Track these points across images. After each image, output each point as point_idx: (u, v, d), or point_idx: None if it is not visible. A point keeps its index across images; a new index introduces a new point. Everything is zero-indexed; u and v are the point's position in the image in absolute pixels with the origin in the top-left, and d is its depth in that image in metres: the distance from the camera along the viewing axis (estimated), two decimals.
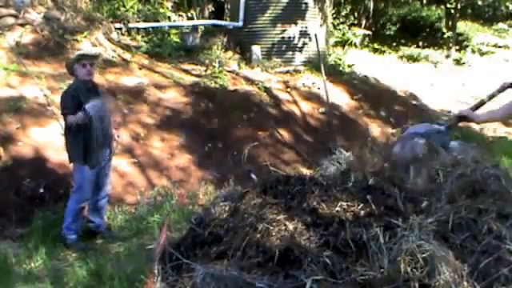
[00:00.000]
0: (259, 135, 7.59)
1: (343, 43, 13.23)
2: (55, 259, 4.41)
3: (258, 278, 1.98)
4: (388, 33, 15.24)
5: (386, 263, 1.98)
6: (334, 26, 13.26)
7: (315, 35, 9.35)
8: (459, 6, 14.49)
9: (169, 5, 10.63)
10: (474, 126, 9.66)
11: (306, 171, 6.58)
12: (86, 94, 4.63)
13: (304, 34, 10.36)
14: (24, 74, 6.68)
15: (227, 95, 8.19)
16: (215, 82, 8.43)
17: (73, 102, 4.58)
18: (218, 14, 11.74)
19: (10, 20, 7.91)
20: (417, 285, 1.89)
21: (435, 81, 11.53)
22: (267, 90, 8.71)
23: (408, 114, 9.25)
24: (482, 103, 3.49)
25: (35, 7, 8.45)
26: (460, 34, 15.14)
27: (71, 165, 4.81)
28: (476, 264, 2.06)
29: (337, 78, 9.79)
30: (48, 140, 5.93)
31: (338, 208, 2.32)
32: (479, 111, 3.34)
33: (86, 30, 8.35)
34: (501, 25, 16.96)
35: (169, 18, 10.40)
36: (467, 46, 14.84)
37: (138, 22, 9.79)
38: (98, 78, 7.46)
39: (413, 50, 14.06)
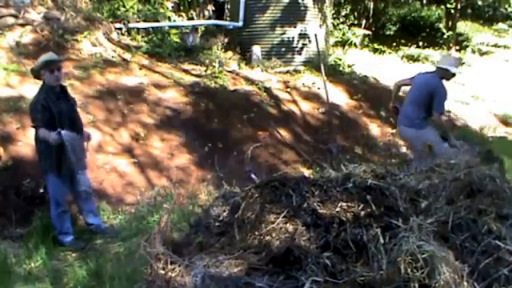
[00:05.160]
0: (259, 135, 7.59)
1: (343, 43, 13.22)
2: (55, 259, 4.41)
3: (258, 278, 1.98)
4: (388, 33, 15.22)
5: (386, 264, 1.99)
6: (334, 26, 13.25)
7: (315, 35, 9.35)
8: (459, 6, 14.49)
9: (169, 5, 10.63)
10: (473, 126, 9.69)
11: (306, 171, 6.60)
12: (56, 102, 4.55)
13: (304, 34, 10.35)
14: (24, 74, 6.67)
15: (227, 95, 8.19)
16: (215, 82, 8.43)
17: (43, 113, 4.46)
18: (218, 14, 11.73)
19: (10, 20, 7.91)
20: (417, 285, 1.90)
21: None
22: (267, 90, 8.70)
23: None
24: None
25: (35, 7, 8.45)
26: (460, 34, 15.13)
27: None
28: (476, 264, 2.07)
29: (337, 78, 9.78)
30: None
31: (338, 209, 2.33)
32: None
33: (85, 30, 8.35)
34: (501, 25, 16.96)
35: (169, 18, 10.39)
36: (467, 46, 14.83)
37: (138, 21, 9.78)
38: (99, 78, 7.50)
39: (413, 50, 14.05)
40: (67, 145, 4.49)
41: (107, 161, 6.18)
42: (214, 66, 8.85)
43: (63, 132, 4.47)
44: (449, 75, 5.65)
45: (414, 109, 5.65)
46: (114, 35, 9.12)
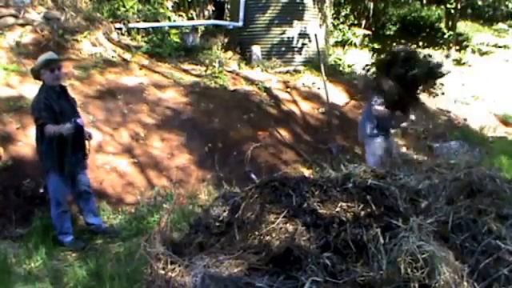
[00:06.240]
0: (259, 135, 7.59)
1: (343, 43, 13.21)
2: (55, 259, 4.41)
3: (258, 278, 1.98)
4: (388, 33, 15.21)
5: (386, 264, 1.99)
6: (334, 26, 13.25)
7: (315, 35, 9.35)
8: (459, 6, 14.47)
9: (169, 5, 10.63)
10: (473, 126, 9.68)
11: (306, 171, 6.59)
12: (57, 101, 4.56)
13: (304, 34, 10.36)
14: (24, 74, 6.67)
15: (227, 95, 8.19)
16: (215, 82, 8.43)
17: (47, 111, 4.46)
18: (218, 14, 11.73)
19: (10, 20, 7.91)
20: (417, 285, 1.90)
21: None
22: (267, 90, 8.71)
23: None
24: None
25: (35, 7, 8.45)
26: (460, 34, 15.12)
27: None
28: (476, 264, 2.07)
29: (337, 78, 9.78)
30: None
31: (338, 209, 2.33)
32: None
33: (85, 30, 8.35)
34: (501, 25, 16.93)
35: (169, 18, 10.39)
36: (467, 46, 14.81)
37: (138, 21, 9.78)
38: (99, 78, 7.50)
39: None
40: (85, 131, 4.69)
41: (107, 161, 6.18)
42: (214, 66, 8.85)
43: (79, 120, 4.57)
44: None
45: (363, 117, 5.67)
46: (114, 35, 9.12)
